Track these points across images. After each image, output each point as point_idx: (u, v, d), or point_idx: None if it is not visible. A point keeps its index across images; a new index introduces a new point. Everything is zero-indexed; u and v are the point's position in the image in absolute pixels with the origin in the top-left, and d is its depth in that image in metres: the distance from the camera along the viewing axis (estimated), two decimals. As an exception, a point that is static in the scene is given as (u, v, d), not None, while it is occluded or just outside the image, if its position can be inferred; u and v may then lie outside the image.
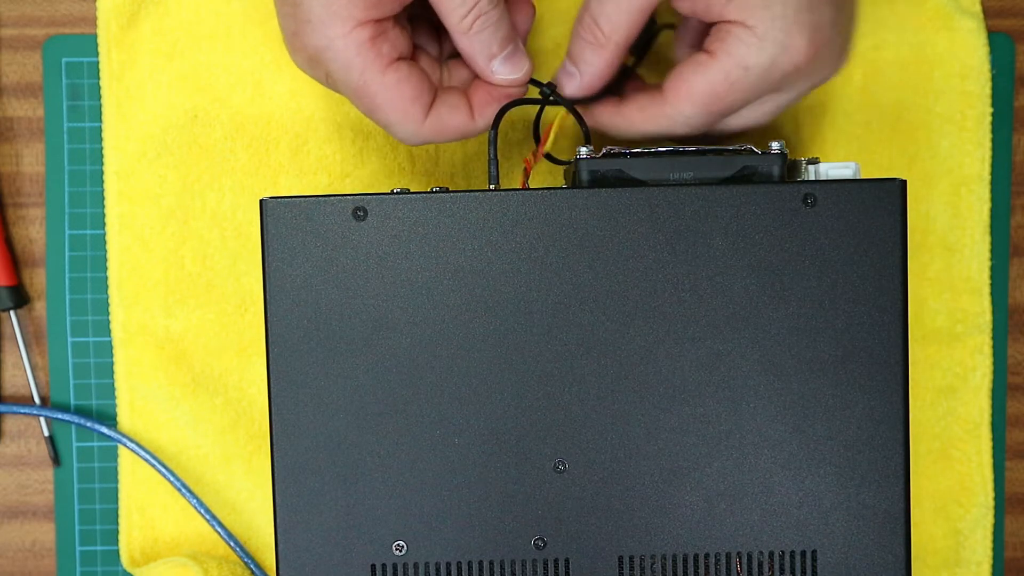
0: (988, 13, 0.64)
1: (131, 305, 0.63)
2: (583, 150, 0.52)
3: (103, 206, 0.63)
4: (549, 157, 0.56)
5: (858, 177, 0.52)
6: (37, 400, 0.65)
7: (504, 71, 0.54)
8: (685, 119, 0.53)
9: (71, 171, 0.64)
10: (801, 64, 0.52)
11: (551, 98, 0.55)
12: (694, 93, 0.52)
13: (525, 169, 0.55)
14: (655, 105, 0.54)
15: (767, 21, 0.51)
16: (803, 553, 0.52)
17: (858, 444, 0.51)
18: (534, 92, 0.55)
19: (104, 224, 0.63)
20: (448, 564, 0.51)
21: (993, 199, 0.64)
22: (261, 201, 0.51)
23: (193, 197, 0.63)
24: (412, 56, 0.55)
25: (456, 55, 0.57)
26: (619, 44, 0.54)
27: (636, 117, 0.54)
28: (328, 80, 0.54)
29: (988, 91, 0.63)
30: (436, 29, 0.57)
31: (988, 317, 0.64)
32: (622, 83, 0.57)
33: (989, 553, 0.65)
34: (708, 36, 0.53)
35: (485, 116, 0.55)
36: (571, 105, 0.55)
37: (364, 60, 0.52)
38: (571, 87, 0.55)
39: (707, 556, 0.51)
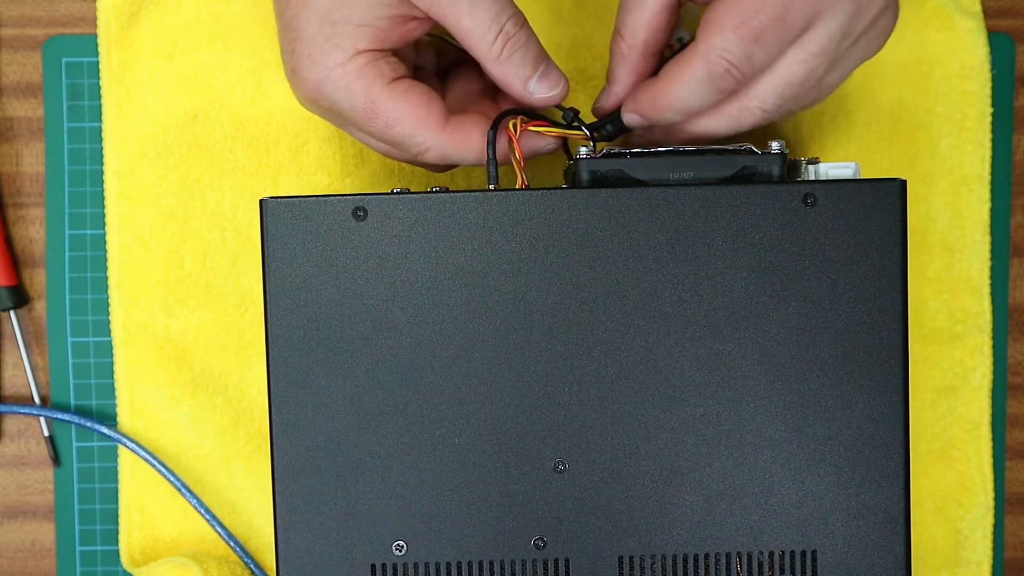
0: (988, 13, 0.64)
1: (131, 305, 0.63)
2: (583, 150, 0.52)
3: (103, 206, 0.63)
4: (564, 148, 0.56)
5: (858, 177, 0.52)
6: (37, 400, 0.65)
7: (542, 90, 0.53)
8: (720, 53, 0.50)
9: (71, 171, 0.64)
10: None
11: (574, 123, 0.55)
12: (724, 20, 0.50)
13: (518, 161, 0.54)
14: (687, 56, 0.51)
15: None
16: (803, 553, 0.52)
17: (858, 444, 0.51)
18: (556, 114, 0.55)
19: (104, 224, 0.63)
20: (448, 564, 0.51)
21: (993, 199, 0.64)
22: (261, 201, 0.51)
23: (193, 197, 0.63)
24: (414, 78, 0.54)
25: (455, 70, 0.57)
26: (638, 49, 0.54)
27: (673, 80, 0.52)
28: (335, 116, 0.53)
29: (988, 91, 0.63)
30: (435, 49, 0.56)
31: (988, 317, 0.64)
32: None
33: (989, 553, 0.65)
34: None
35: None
36: (590, 131, 0.55)
37: (365, 81, 0.51)
38: (604, 99, 0.55)
39: (707, 556, 0.51)
